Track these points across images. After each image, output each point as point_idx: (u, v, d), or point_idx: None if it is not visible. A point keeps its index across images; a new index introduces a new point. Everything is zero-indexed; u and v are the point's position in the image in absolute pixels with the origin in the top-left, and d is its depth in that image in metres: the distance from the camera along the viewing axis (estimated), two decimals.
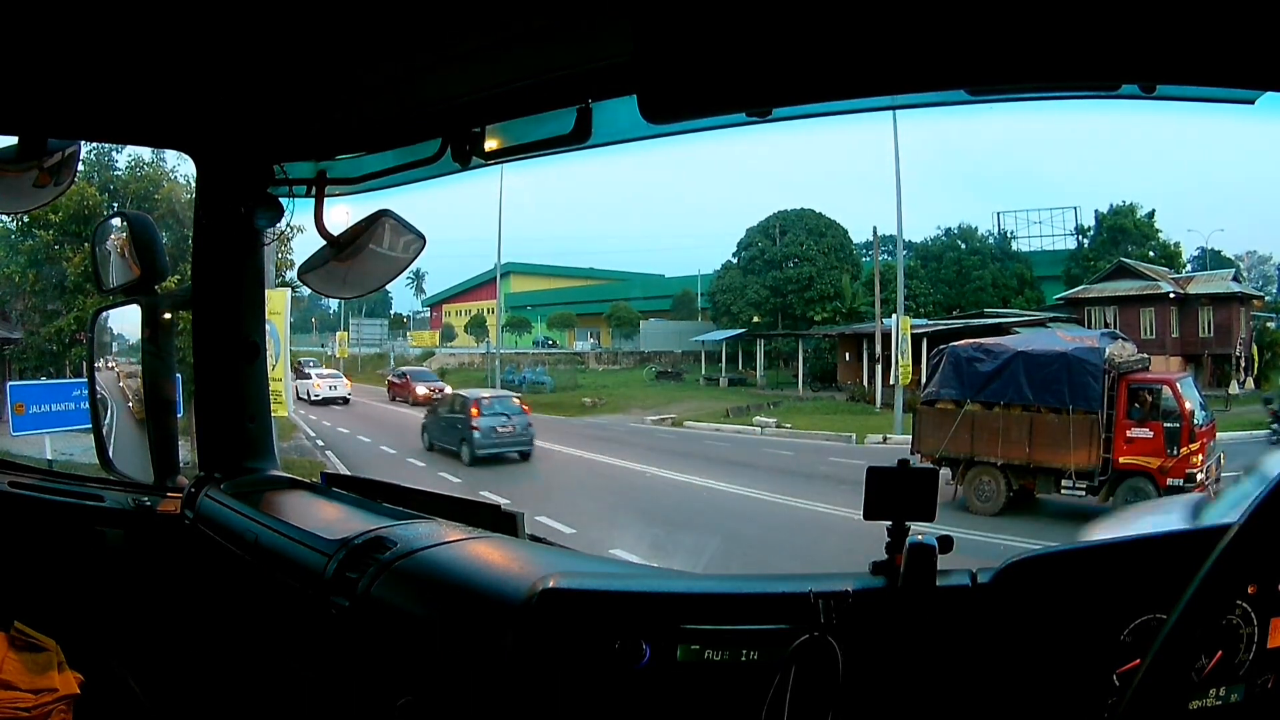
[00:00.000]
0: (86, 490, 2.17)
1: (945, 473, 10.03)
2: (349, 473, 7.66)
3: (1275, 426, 12.33)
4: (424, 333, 33.43)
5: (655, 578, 1.34)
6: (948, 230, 23.28)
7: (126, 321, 2.24)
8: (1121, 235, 21.09)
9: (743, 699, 1.04)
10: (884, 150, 27.52)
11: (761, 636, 1.07)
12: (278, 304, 9.93)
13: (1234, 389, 16.49)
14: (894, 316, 16.84)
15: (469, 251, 43.88)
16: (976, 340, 11.49)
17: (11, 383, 11.21)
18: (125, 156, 13.44)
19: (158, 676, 1.99)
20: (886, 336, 17.30)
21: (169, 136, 2.05)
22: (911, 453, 10.33)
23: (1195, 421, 9.41)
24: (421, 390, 22.29)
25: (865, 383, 19.42)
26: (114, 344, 2.58)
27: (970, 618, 1.08)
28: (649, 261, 42.82)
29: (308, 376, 22.81)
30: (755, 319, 24.35)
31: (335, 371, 24.72)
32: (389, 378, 24.94)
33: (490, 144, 1.59)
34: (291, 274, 11.33)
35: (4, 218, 12.81)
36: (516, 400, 15.47)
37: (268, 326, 2.20)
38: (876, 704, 1.07)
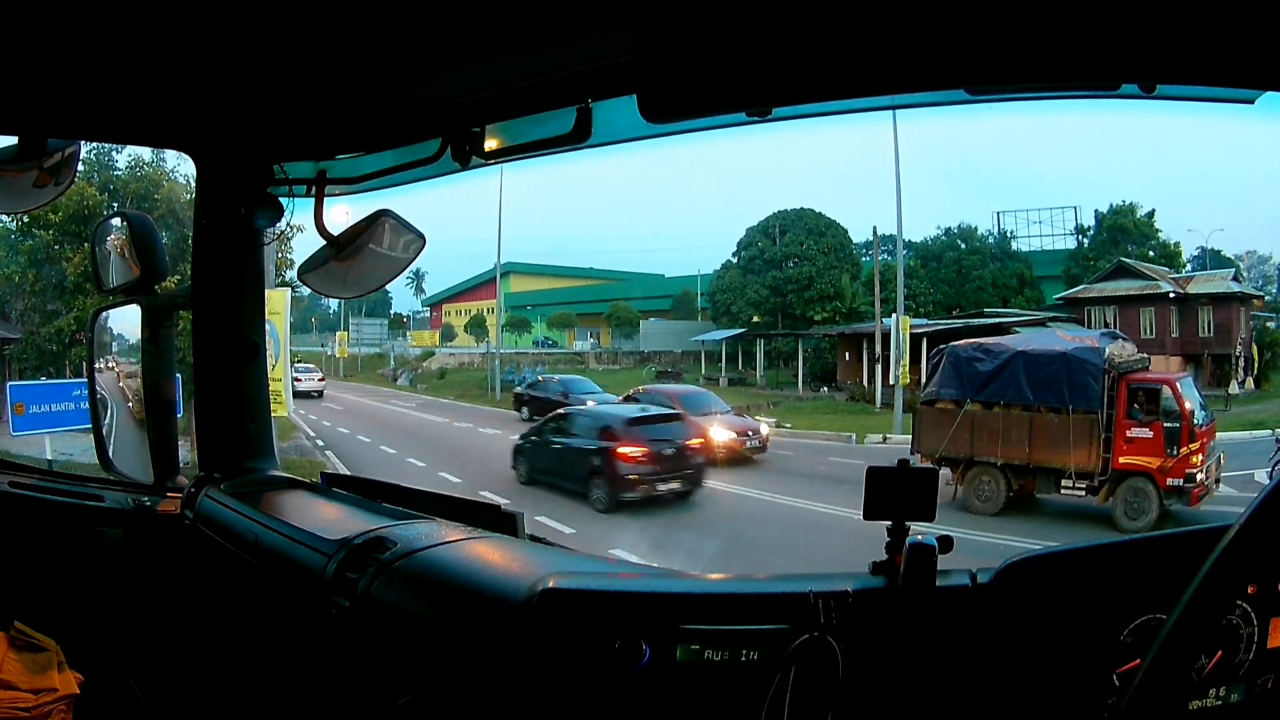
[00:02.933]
0: (86, 490, 2.17)
1: (945, 473, 10.02)
2: (349, 472, 7.65)
3: None
4: (424, 332, 33.43)
5: (655, 578, 1.34)
6: (947, 230, 23.32)
7: (126, 321, 2.24)
8: (1121, 235, 21.10)
9: (742, 699, 1.04)
10: (884, 150, 27.52)
11: (761, 636, 1.07)
12: (278, 304, 9.95)
13: (1234, 389, 16.48)
14: (894, 316, 16.84)
15: (469, 251, 43.89)
16: (976, 340, 11.46)
17: (11, 383, 11.21)
18: (125, 156, 13.48)
19: (158, 676, 1.99)
20: (886, 336, 17.29)
21: (169, 136, 2.05)
22: (911, 453, 10.32)
23: (1195, 421, 9.39)
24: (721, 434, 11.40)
25: (865, 383, 19.40)
26: (114, 344, 2.58)
27: (970, 618, 1.08)
28: (649, 261, 42.87)
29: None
30: (755, 319, 24.33)
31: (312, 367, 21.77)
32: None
33: (490, 144, 1.60)
34: (291, 274, 11.34)
35: (4, 218, 12.82)
36: None
37: (268, 326, 2.20)
38: (876, 704, 1.07)
